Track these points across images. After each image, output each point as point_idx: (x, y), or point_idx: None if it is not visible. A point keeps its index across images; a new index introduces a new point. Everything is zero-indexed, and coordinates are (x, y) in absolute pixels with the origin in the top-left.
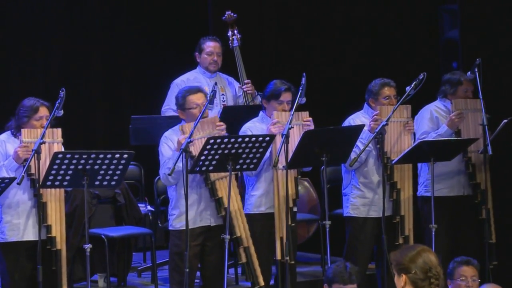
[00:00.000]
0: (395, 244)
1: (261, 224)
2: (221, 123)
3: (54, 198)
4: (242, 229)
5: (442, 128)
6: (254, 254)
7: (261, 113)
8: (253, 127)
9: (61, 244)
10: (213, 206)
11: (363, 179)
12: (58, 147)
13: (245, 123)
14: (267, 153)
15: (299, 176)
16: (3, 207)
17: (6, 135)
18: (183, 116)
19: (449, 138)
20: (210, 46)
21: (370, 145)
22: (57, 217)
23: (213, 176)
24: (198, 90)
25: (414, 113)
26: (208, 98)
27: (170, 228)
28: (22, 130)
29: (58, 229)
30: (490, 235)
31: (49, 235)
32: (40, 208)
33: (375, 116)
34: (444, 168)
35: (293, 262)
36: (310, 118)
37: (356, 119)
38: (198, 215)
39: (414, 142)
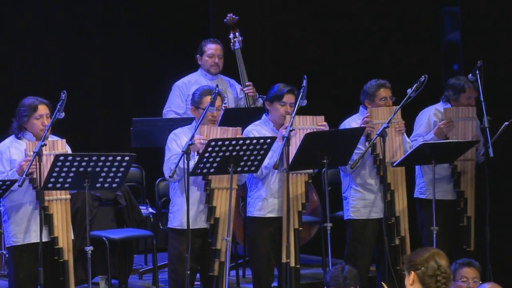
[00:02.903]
0: (391, 245)
1: (261, 227)
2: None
3: (60, 211)
4: (224, 243)
5: (429, 135)
6: (224, 271)
7: (264, 116)
8: (255, 130)
9: (68, 255)
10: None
11: (361, 181)
12: None
13: (247, 126)
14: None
15: (310, 181)
16: (12, 210)
17: (10, 139)
18: (194, 114)
19: (450, 141)
20: (212, 48)
21: (365, 147)
22: (63, 229)
23: (214, 184)
24: (218, 93)
25: (414, 115)
26: (210, 101)
27: (170, 226)
28: (27, 143)
29: (64, 241)
30: (469, 244)
31: (56, 246)
32: (46, 220)
33: (365, 119)
34: (439, 172)
35: (298, 265)
36: (325, 123)
37: (351, 122)
38: (198, 216)
39: (405, 143)
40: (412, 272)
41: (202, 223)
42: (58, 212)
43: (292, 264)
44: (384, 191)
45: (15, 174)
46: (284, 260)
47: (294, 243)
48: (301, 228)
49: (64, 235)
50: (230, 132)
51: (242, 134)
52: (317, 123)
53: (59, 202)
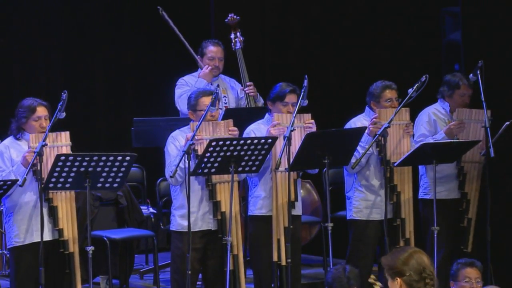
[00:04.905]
0: (396, 247)
1: (262, 226)
2: (234, 128)
3: (65, 202)
4: (235, 235)
5: (439, 134)
6: (242, 263)
7: (267, 115)
8: (257, 129)
9: (73, 247)
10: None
11: (365, 182)
12: (67, 150)
13: (249, 125)
14: (269, 156)
15: (299, 179)
16: (14, 211)
17: (9, 140)
18: (193, 117)
19: (451, 141)
20: (212, 51)
21: (371, 148)
22: (68, 220)
23: (215, 178)
24: (211, 93)
25: (414, 115)
26: (211, 101)
27: (172, 228)
28: (30, 135)
29: (70, 232)
30: (466, 245)
31: (62, 238)
32: (50, 212)
33: (373, 119)
34: (443, 171)
35: (285, 263)
36: (312, 121)
37: (357, 122)
38: (200, 218)
39: (413, 145)
40: (398, 279)
41: (206, 225)
42: (62, 204)
43: (284, 263)
44: (386, 192)
45: (20, 167)
46: (275, 259)
47: (284, 241)
48: (291, 227)
49: (69, 227)
50: (222, 125)
51: (243, 133)
52: (304, 121)
53: (63, 194)
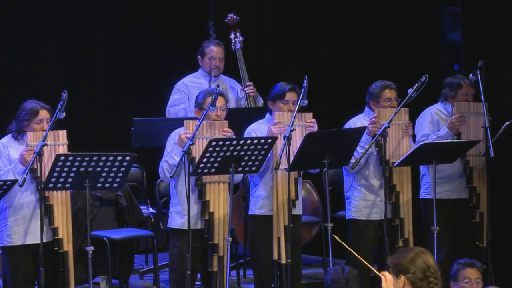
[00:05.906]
0: (395, 247)
1: (262, 225)
2: (229, 129)
3: (61, 201)
4: (221, 237)
5: (442, 130)
6: (225, 266)
7: (267, 114)
8: (258, 128)
9: (68, 245)
10: None
11: (364, 182)
12: (64, 149)
13: (249, 125)
14: (270, 155)
15: (300, 177)
16: (9, 210)
17: (7, 138)
18: (198, 115)
19: (451, 141)
20: (213, 51)
21: (370, 148)
22: (63, 219)
23: (205, 178)
24: (219, 93)
25: (415, 115)
26: (211, 101)
27: (169, 225)
28: (28, 133)
29: (64, 231)
30: (482, 239)
31: (56, 237)
32: (46, 211)
33: (373, 119)
34: (445, 171)
35: (285, 262)
36: (314, 120)
37: (356, 122)
38: (198, 217)
39: (412, 145)
40: (402, 276)
41: (203, 224)
42: (58, 203)
43: (283, 261)
44: (385, 191)
45: (18, 165)
46: (275, 257)
47: (284, 240)
48: (291, 225)
49: (64, 226)
50: (217, 125)
51: (244, 133)
52: (305, 120)
53: (60, 193)
